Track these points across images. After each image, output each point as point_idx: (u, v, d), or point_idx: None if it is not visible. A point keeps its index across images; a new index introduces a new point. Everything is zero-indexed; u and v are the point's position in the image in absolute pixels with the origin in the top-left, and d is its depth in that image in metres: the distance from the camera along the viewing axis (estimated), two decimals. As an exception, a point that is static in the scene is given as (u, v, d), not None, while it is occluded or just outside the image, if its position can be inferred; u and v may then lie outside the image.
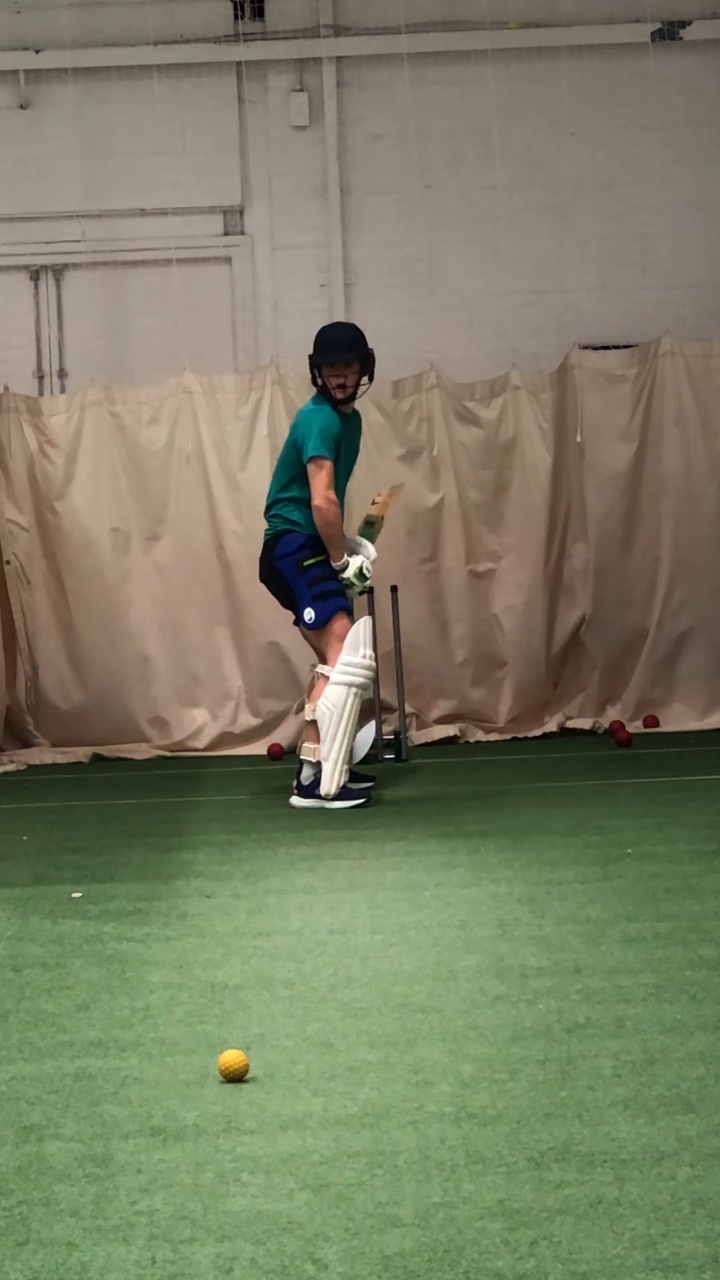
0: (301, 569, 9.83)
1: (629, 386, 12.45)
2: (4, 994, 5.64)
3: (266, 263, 13.85)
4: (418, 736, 12.07)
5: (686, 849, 7.75)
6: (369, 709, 11.74)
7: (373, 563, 10.01)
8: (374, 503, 10.55)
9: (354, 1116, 4.33)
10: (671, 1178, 3.83)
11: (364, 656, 9.69)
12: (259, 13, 13.78)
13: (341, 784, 9.63)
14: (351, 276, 13.85)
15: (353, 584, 9.86)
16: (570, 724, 12.43)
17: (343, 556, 9.84)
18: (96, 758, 12.19)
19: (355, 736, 9.87)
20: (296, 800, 9.68)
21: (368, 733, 11.39)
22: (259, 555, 10.19)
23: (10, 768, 11.74)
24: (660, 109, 13.70)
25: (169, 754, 12.24)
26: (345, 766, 9.68)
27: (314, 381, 10.05)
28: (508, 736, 12.36)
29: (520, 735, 12.35)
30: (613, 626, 12.50)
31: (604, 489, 12.44)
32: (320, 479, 9.78)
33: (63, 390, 13.55)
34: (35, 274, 13.89)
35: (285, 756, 11.91)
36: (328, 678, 9.71)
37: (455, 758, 11.60)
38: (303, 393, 12.32)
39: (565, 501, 12.48)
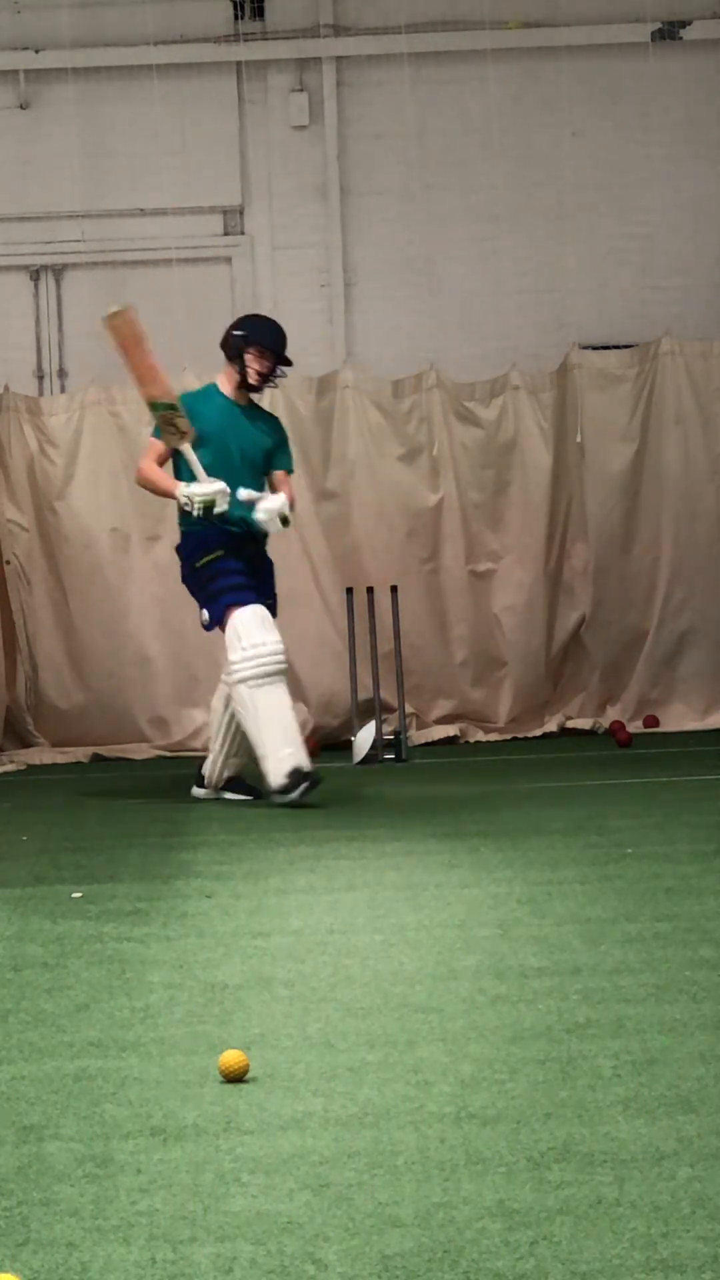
0: (193, 570, 9.65)
1: (629, 386, 12.46)
2: (4, 994, 5.64)
3: (266, 263, 13.85)
4: (418, 736, 12.07)
5: (686, 849, 7.75)
6: (369, 709, 11.75)
7: (242, 503, 9.55)
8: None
9: (354, 1116, 4.33)
10: (671, 1178, 3.83)
11: (244, 649, 9.30)
12: (259, 13, 13.79)
13: (286, 773, 9.35)
14: (351, 276, 13.85)
15: (195, 511, 9.38)
16: (570, 724, 12.44)
17: (175, 487, 9.49)
18: (96, 758, 12.19)
19: (278, 723, 9.39)
20: (197, 791, 9.96)
21: (367, 733, 11.40)
22: None
23: (10, 768, 11.74)
24: (660, 109, 13.71)
25: (169, 754, 12.24)
26: (288, 755, 9.37)
27: (230, 357, 9.83)
28: (508, 736, 12.36)
29: (520, 735, 12.36)
30: (613, 626, 12.50)
31: (604, 489, 12.44)
32: (143, 458, 9.75)
33: (63, 390, 13.55)
34: (35, 274, 13.89)
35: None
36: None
37: (455, 758, 11.60)
38: (302, 393, 12.34)
39: (565, 501, 12.49)
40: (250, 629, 9.35)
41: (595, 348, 12.89)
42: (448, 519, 12.43)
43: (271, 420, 10.01)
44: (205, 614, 9.56)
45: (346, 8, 13.83)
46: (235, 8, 13.77)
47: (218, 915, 6.71)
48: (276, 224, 13.86)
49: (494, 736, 12.38)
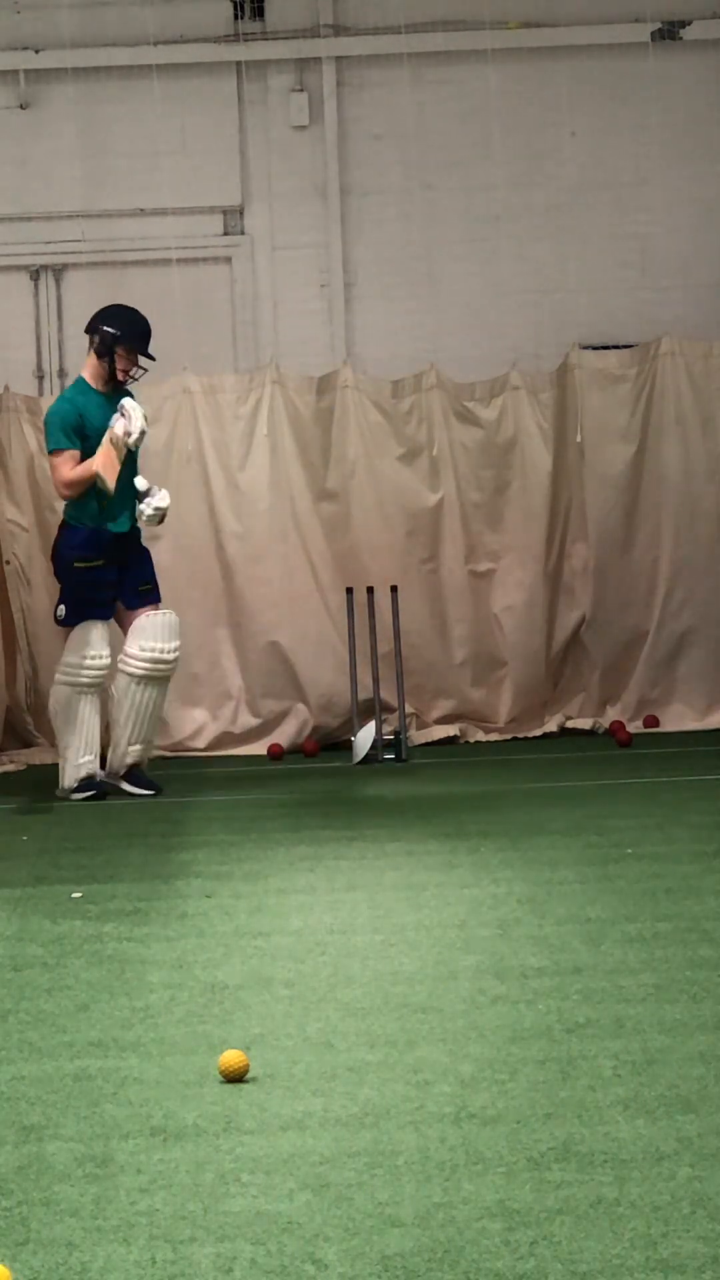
0: (72, 567, 10.14)
1: (629, 386, 12.45)
2: (4, 994, 5.64)
3: (266, 263, 13.85)
4: (418, 736, 12.06)
5: (686, 849, 7.75)
6: (369, 709, 11.75)
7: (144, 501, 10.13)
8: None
9: (354, 1116, 4.33)
10: (671, 1178, 3.83)
11: (83, 658, 10.01)
12: (259, 13, 13.79)
13: (79, 778, 10.07)
14: (351, 276, 13.85)
15: (148, 515, 10.09)
16: (570, 724, 12.43)
17: (108, 481, 9.95)
18: (96, 758, 12.18)
19: (85, 731, 10.11)
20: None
21: (367, 733, 11.40)
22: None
23: (10, 768, 11.74)
24: (660, 109, 13.70)
25: (169, 754, 12.23)
26: (84, 761, 10.06)
27: (99, 353, 10.18)
28: (508, 736, 12.36)
29: (520, 735, 12.35)
30: (613, 626, 12.50)
31: (604, 489, 12.44)
32: (55, 472, 10.18)
33: (63, 390, 13.54)
34: (35, 274, 13.89)
35: (285, 756, 11.92)
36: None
37: (455, 758, 11.60)
38: (302, 393, 12.34)
39: (565, 501, 12.48)
40: (94, 643, 10.06)
41: (595, 348, 12.88)
42: (448, 519, 12.43)
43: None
44: (62, 610, 10.18)
45: (346, 8, 13.83)
46: (235, 8, 13.77)
47: (218, 915, 6.72)
48: (276, 224, 13.86)
49: (494, 736, 12.37)
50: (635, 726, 12.28)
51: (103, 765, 10.24)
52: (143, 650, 10.16)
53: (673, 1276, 3.33)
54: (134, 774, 10.29)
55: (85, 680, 10.05)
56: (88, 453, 10.11)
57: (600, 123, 13.79)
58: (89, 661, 10.03)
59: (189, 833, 8.77)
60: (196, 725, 12.36)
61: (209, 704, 12.38)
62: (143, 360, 10.29)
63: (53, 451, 10.20)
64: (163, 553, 12.35)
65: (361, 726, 11.51)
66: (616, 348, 12.94)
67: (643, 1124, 4.18)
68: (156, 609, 10.29)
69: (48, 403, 12.60)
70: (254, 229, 13.88)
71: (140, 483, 10.12)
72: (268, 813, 9.39)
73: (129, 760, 10.26)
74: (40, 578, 12.35)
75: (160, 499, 10.14)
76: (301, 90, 13.81)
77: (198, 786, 10.68)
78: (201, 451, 12.35)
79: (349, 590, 11.95)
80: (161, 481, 12.36)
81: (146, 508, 10.11)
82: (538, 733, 12.38)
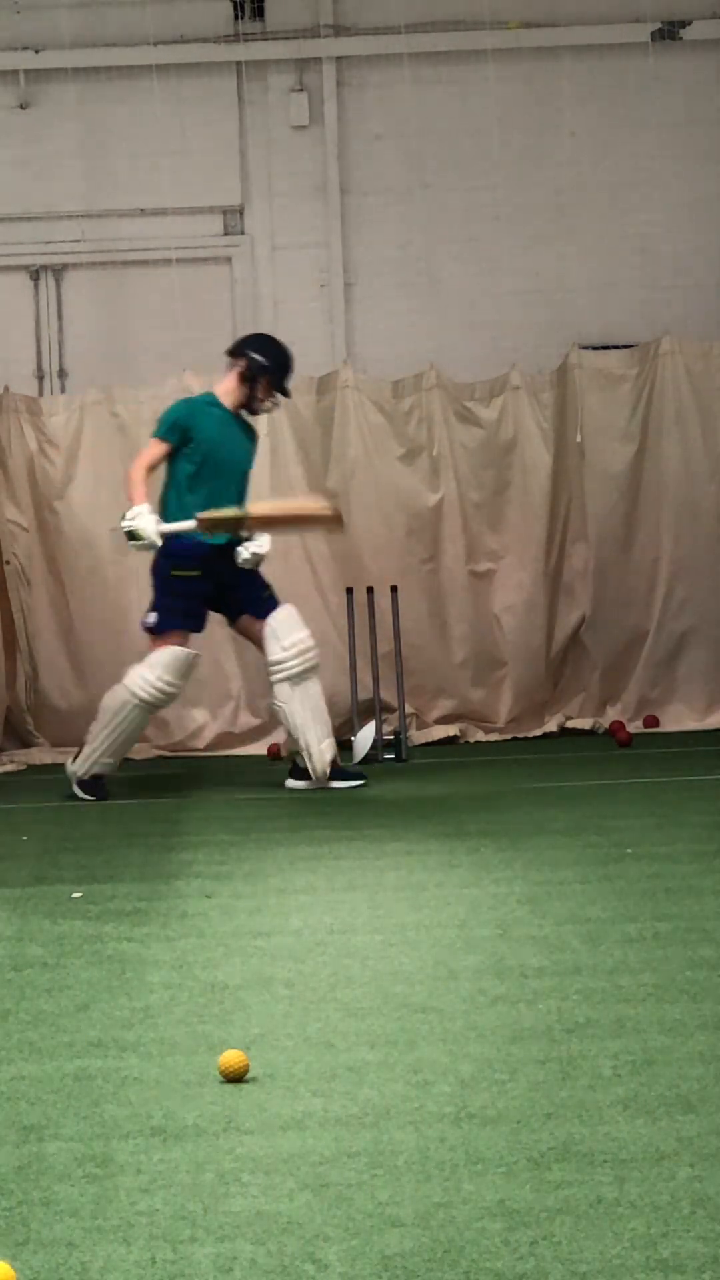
0: (169, 574, 10.06)
1: (629, 386, 12.45)
2: (4, 994, 5.64)
3: (266, 263, 13.85)
4: (418, 736, 12.06)
5: (686, 849, 7.75)
6: (369, 709, 11.76)
7: (161, 540, 9.87)
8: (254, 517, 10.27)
9: (354, 1116, 4.33)
10: (671, 1178, 3.83)
11: (156, 679, 9.93)
12: (259, 13, 13.79)
13: (93, 773, 10.05)
14: (351, 276, 13.85)
15: (138, 534, 9.80)
16: (570, 724, 12.43)
17: (139, 501, 9.87)
18: (96, 758, 12.18)
19: (123, 741, 10.12)
20: (291, 783, 10.24)
21: (368, 732, 11.40)
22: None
23: (10, 768, 11.74)
24: (660, 109, 13.71)
25: (169, 754, 12.24)
26: (109, 760, 10.07)
27: (245, 379, 10.16)
28: (508, 736, 12.36)
29: (520, 735, 12.35)
30: (613, 626, 12.50)
31: (604, 489, 12.44)
32: (143, 453, 10.19)
33: (63, 390, 13.56)
34: (35, 274, 13.89)
35: (285, 757, 11.91)
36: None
37: (455, 758, 11.60)
38: (302, 393, 12.33)
39: (565, 501, 12.48)
40: (175, 670, 9.97)
41: (595, 348, 12.88)
42: (448, 519, 12.43)
43: (252, 430, 10.42)
44: (154, 617, 10.08)
45: (346, 8, 13.83)
46: (235, 8, 13.77)
47: (218, 915, 6.72)
48: (276, 224, 13.86)
49: (494, 736, 12.37)
50: (635, 726, 12.28)
51: (88, 776, 10.12)
52: (286, 649, 10.01)
53: (673, 1276, 3.33)
54: (334, 770, 10.22)
55: (145, 698, 9.96)
56: (189, 454, 10.03)
57: (600, 123, 13.79)
58: (160, 684, 9.93)
59: (189, 833, 8.77)
60: (196, 725, 12.36)
61: (209, 704, 12.38)
62: (279, 396, 10.33)
63: (154, 436, 10.19)
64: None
65: (361, 726, 11.51)
66: (616, 348, 12.94)
67: (643, 1124, 4.18)
68: (272, 612, 10.18)
69: (48, 403, 12.65)
70: (254, 229, 13.88)
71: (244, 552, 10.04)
72: (268, 813, 9.39)
73: (328, 757, 10.15)
74: (40, 578, 12.36)
75: (261, 545, 10.04)
76: (301, 90, 13.81)
77: (198, 786, 10.68)
78: (201, 451, 12.34)
79: (349, 590, 11.96)
80: (162, 481, 12.38)
81: (245, 550, 9.99)
82: (538, 733, 12.38)
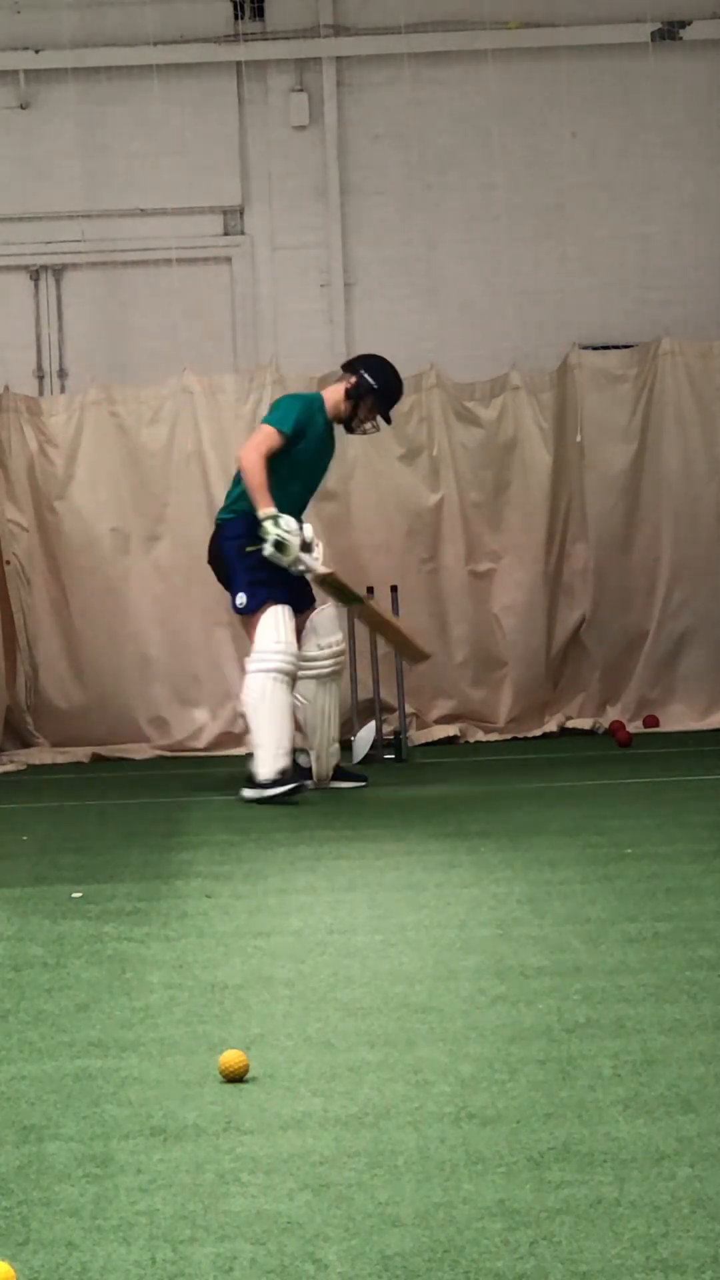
0: (243, 553, 9.83)
1: (629, 386, 12.46)
2: (4, 994, 5.64)
3: (266, 263, 13.85)
4: (418, 736, 12.07)
5: (686, 849, 7.75)
6: (369, 709, 11.75)
7: (304, 552, 9.73)
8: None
9: (354, 1116, 4.32)
10: (671, 1178, 3.83)
11: (277, 641, 9.63)
12: (259, 13, 13.79)
13: (278, 770, 9.58)
14: (351, 276, 13.85)
15: (268, 542, 9.62)
16: (570, 724, 12.43)
17: (267, 507, 9.68)
18: (96, 758, 12.19)
19: (286, 722, 9.67)
20: (246, 792, 9.72)
21: (368, 732, 11.40)
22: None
23: (10, 768, 11.74)
24: (660, 109, 13.71)
25: (169, 754, 12.24)
26: (283, 754, 9.62)
27: (349, 396, 10.06)
28: (508, 736, 12.36)
29: (520, 735, 12.36)
30: (613, 626, 12.50)
31: (604, 489, 12.44)
32: (256, 440, 9.88)
33: (63, 390, 13.56)
34: (35, 274, 13.89)
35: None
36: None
37: (455, 758, 11.60)
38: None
39: (565, 501, 12.49)
40: (286, 626, 9.66)
41: (595, 348, 12.89)
42: (448, 519, 12.43)
43: (334, 446, 10.29)
44: (243, 597, 9.82)
45: (346, 8, 13.83)
46: (235, 8, 13.77)
47: (218, 915, 6.71)
48: (276, 224, 13.86)
49: (494, 736, 12.38)
50: (635, 726, 12.28)
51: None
52: (323, 648, 9.92)
53: (673, 1276, 3.33)
54: (338, 771, 10.18)
55: (278, 666, 9.61)
56: (293, 454, 9.88)
57: (600, 123, 13.80)
58: (282, 647, 9.61)
59: (189, 833, 8.77)
60: (196, 725, 12.36)
61: (209, 704, 12.38)
62: (380, 421, 10.23)
63: (269, 421, 9.93)
64: (163, 552, 12.38)
65: (361, 726, 11.51)
66: (616, 348, 12.95)
67: (643, 1124, 4.18)
68: (315, 607, 10.11)
69: (48, 403, 12.65)
70: (254, 229, 13.88)
71: (307, 531, 9.86)
72: (268, 813, 9.38)
73: (334, 761, 10.09)
74: (40, 578, 12.37)
75: (315, 563, 9.84)
76: (301, 90, 13.82)
77: (198, 786, 10.68)
78: (201, 451, 12.35)
79: (349, 590, 11.96)
80: (162, 481, 12.40)
81: (287, 554, 9.68)
82: (538, 733, 12.38)
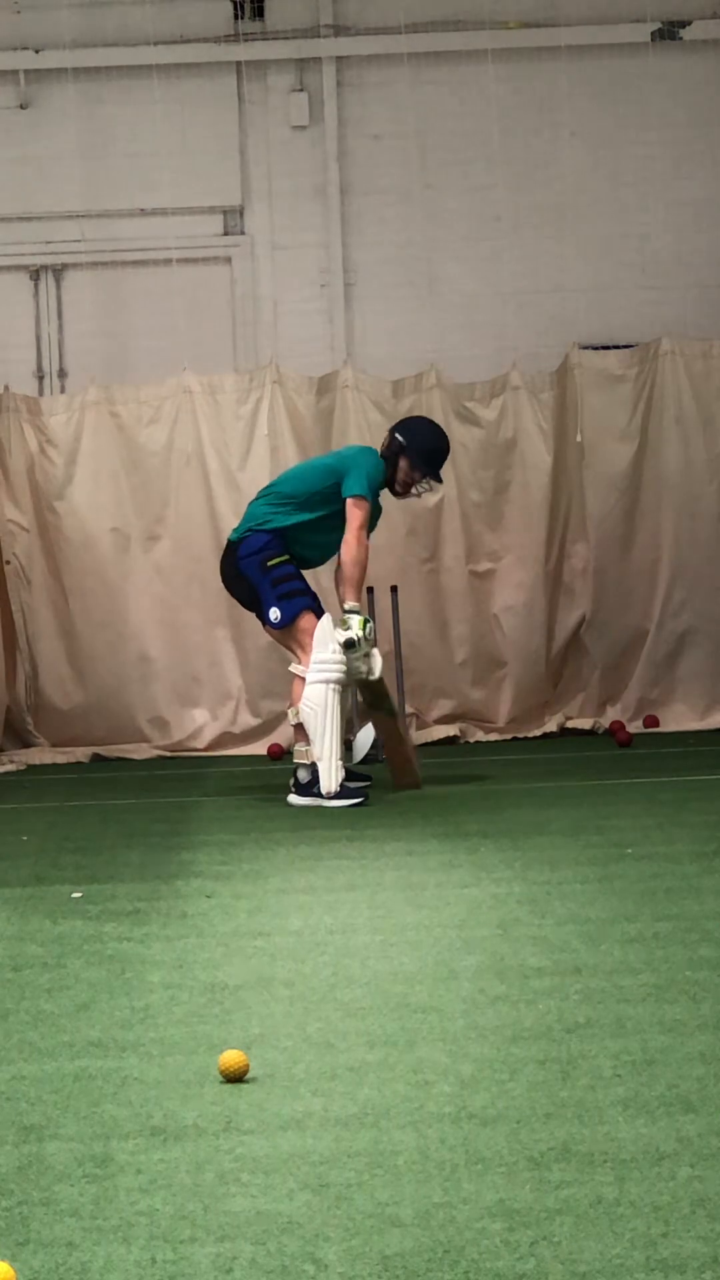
0: (265, 568, 9.77)
1: (629, 386, 12.45)
2: (4, 994, 5.64)
3: (266, 263, 13.86)
4: (418, 736, 12.06)
5: (686, 849, 7.75)
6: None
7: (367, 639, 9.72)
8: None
9: (354, 1116, 4.33)
10: (671, 1178, 3.83)
11: (334, 651, 9.59)
12: (259, 13, 13.79)
13: (340, 781, 9.61)
14: (351, 276, 13.85)
15: (345, 637, 9.60)
16: (570, 724, 12.43)
17: (355, 601, 9.70)
18: (96, 758, 12.19)
19: (343, 731, 9.76)
20: (294, 798, 9.68)
21: (368, 733, 11.39)
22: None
23: (10, 768, 11.74)
24: (660, 109, 13.71)
25: (169, 754, 12.24)
26: (340, 764, 9.65)
27: (384, 456, 9.92)
28: (508, 736, 12.36)
29: (520, 735, 12.35)
30: (613, 626, 12.50)
31: (604, 489, 12.44)
32: (357, 517, 9.73)
33: (63, 390, 13.56)
34: (35, 274, 13.89)
35: (285, 756, 11.90)
36: (304, 678, 9.70)
37: (455, 758, 11.60)
38: (302, 393, 12.34)
39: (565, 501, 12.48)
40: (329, 634, 9.62)
41: (595, 348, 12.88)
42: (448, 519, 12.43)
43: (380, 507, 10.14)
44: (276, 612, 9.76)
45: (346, 8, 13.83)
46: (235, 8, 13.77)
47: (218, 915, 6.71)
48: (276, 224, 13.86)
49: (494, 736, 12.37)
50: (635, 726, 12.28)
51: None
52: (336, 651, 9.90)
53: (673, 1276, 3.33)
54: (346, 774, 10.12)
55: (334, 677, 9.59)
56: (373, 513, 9.84)
57: (600, 123, 13.80)
58: (338, 655, 9.58)
59: (189, 833, 8.77)
60: (196, 725, 12.36)
61: (209, 704, 12.38)
62: (431, 481, 10.06)
63: (360, 498, 9.75)
64: (163, 552, 12.37)
65: (361, 726, 11.51)
66: (616, 348, 12.95)
67: (643, 1124, 4.18)
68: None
69: (48, 403, 12.64)
70: (254, 229, 13.88)
71: (371, 630, 9.76)
72: (268, 813, 9.39)
73: (340, 776, 9.86)
74: (40, 578, 12.36)
75: (378, 665, 9.76)
76: (301, 90, 13.82)
77: (198, 786, 10.68)
78: (201, 451, 12.35)
79: (349, 590, 11.94)
80: (162, 481, 12.39)
81: (356, 652, 9.62)
82: (538, 733, 12.38)
